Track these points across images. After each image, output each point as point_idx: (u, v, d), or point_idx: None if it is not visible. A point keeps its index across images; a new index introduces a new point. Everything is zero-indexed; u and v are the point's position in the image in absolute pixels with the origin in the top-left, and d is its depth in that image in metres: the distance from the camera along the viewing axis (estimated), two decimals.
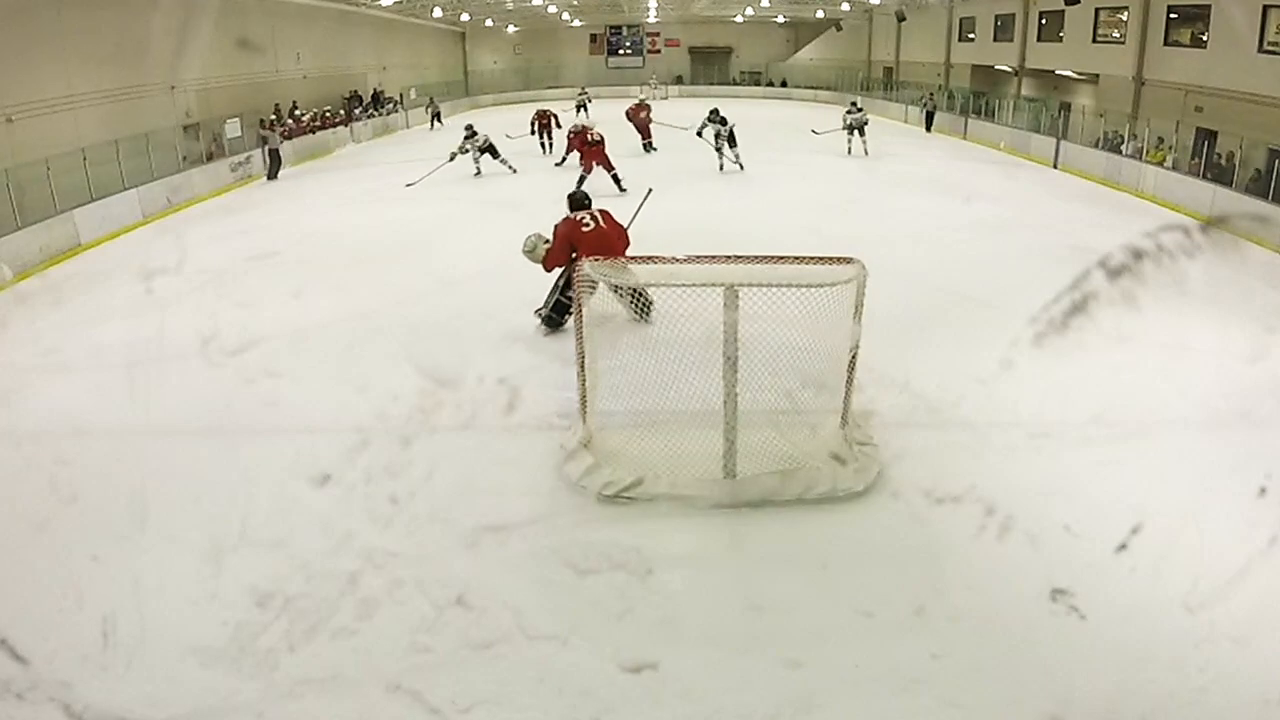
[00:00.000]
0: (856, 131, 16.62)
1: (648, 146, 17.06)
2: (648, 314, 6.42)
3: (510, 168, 14.90)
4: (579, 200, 7.05)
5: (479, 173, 14.81)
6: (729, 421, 4.46)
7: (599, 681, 3.30)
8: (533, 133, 17.65)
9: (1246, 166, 11.38)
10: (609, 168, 12.86)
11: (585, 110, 24.86)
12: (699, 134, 14.76)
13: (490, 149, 14.91)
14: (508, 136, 17.25)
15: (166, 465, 5.01)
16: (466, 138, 14.82)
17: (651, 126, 17.20)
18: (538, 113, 18.01)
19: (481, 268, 8.73)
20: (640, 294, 6.33)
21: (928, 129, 21.96)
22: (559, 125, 17.53)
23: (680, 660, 3.39)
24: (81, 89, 13.06)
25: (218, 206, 13.60)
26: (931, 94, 22.73)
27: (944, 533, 4.26)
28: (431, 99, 26.33)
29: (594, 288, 4.88)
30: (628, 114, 17.32)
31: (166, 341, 6.93)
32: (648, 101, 18.65)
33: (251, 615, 3.66)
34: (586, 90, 27.49)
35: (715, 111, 14.70)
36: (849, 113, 16.93)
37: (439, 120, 25.10)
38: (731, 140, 14.53)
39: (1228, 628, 3.45)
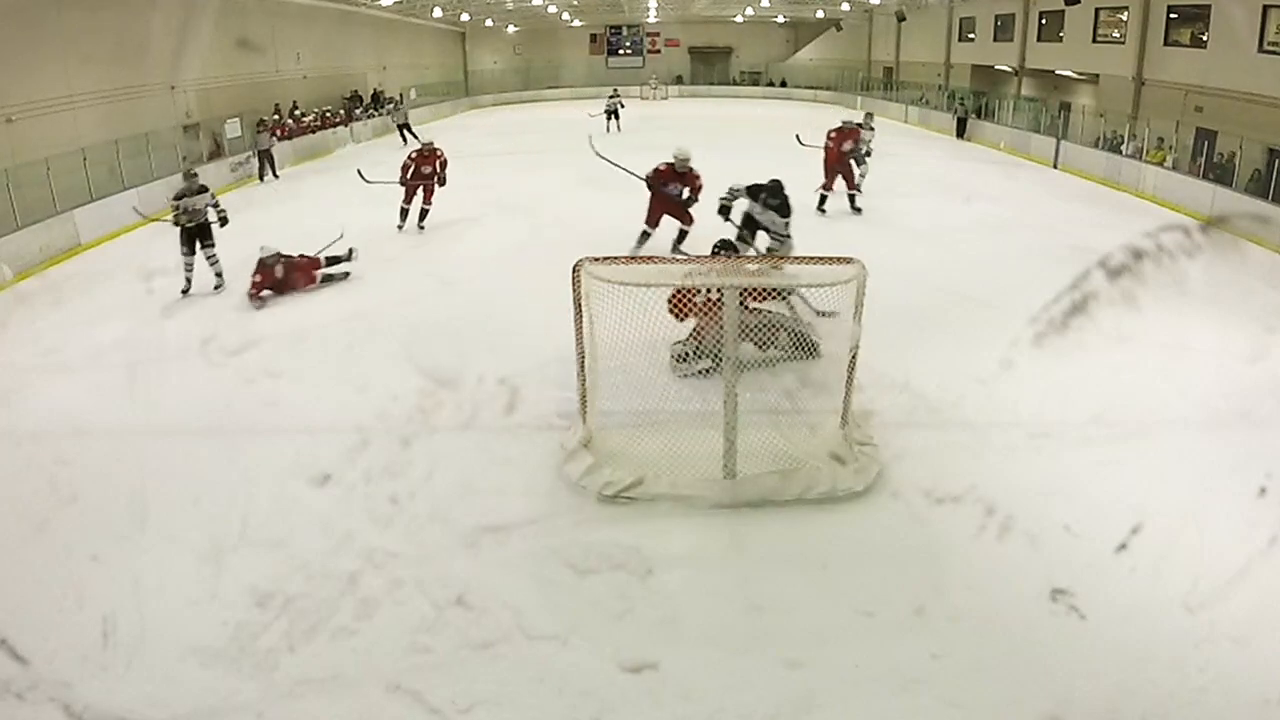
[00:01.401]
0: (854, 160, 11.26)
1: (852, 200, 10.92)
2: (815, 351, 5.56)
3: (217, 276, 8.33)
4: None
5: (187, 289, 8.20)
6: (729, 421, 4.46)
7: (599, 681, 3.30)
8: (403, 180, 10.39)
9: (1246, 166, 11.39)
10: (684, 218, 8.39)
11: (617, 117, 21.36)
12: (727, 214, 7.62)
13: (193, 231, 8.14)
14: (363, 178, 10.83)
15: (166, 465, 5.01)
16: (182, 198, 8.15)
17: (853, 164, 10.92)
18: (417, 154, 10.46)
19: (482, 268, 8.73)
20: (801, 335, 5.44)
21: (959, 135, 20.12)
22: (442, 180, 10.49)
23: (680, 660, 3.39)
24: (81, 89, 13.05)
25: None
26: (963, 99, 21.15)
27: (944, 533, 4.26)
28: (398, 101, 20.85)
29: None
30: (827, 148, 10.72)
31: (166, 341, 6.94)
32: (856, 123, 11.08)
33: (251, 615, 3.67)
34: (619, 92, 22.99)
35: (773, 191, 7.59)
36: (860, 128, 11.48)
37: (409, 133, 19.25)
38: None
39: (1228, 628, 3.45)
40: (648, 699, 3.23)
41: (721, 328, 4.84)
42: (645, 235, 8.50)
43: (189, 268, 8.15)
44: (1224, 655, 3.34)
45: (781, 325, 5.49)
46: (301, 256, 8.28)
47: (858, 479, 4.59)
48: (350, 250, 8.77)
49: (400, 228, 10.57)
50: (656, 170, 8.25)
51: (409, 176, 10.42)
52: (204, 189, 8.30)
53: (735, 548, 4.17)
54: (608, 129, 20.81)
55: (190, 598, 3.80)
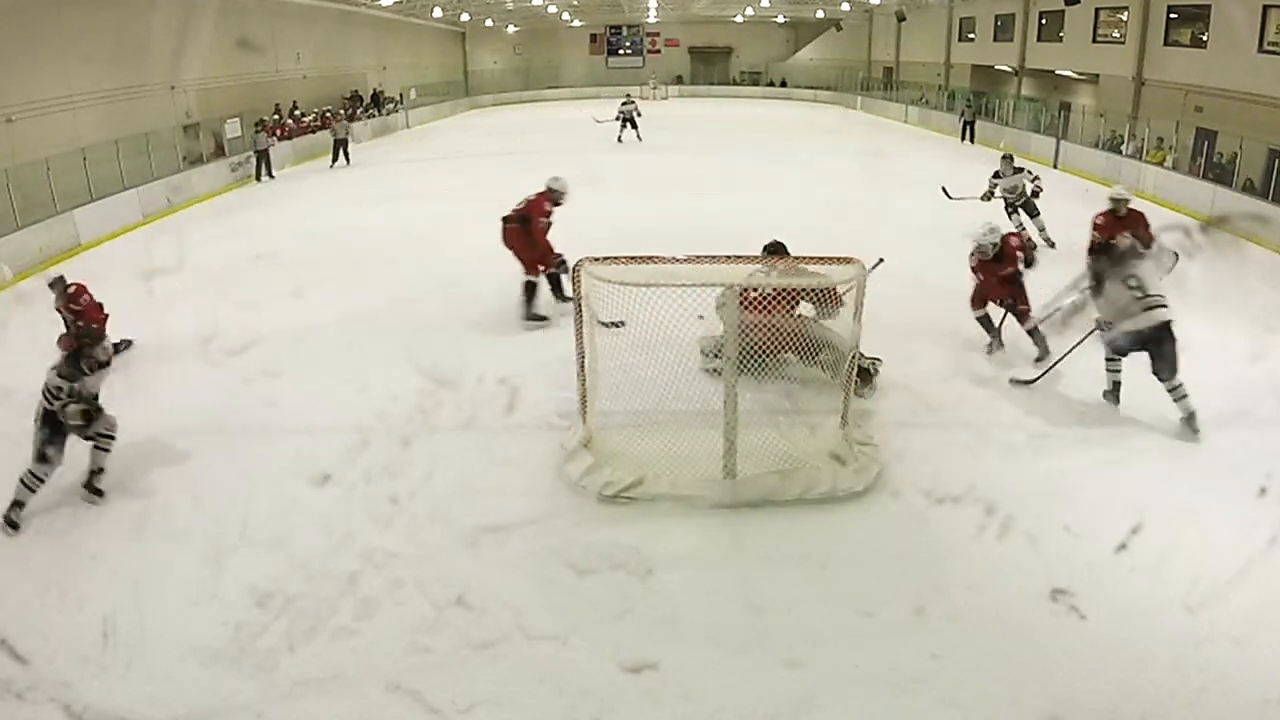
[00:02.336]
0: (1022, 209, 9.63)
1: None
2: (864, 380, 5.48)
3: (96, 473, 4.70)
4: None
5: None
6: (729, 421, 4.46)
7: (599, 681, 3.30)
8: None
9: (1246, 166, 11.39)
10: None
11: (634, 124, 18.98)
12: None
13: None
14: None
15: (166, 465, 5.01)
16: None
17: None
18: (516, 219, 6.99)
19: (482, 267, 8.71)
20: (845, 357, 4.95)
21: (964, 138, 19.44)
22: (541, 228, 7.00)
23: (680, 660, 3.39)
24: (81, 89, 13.07)
25: (218, 206, 13.60)
26: (969, 100, 20.74)
27: (944, 533, 4.26)
28: (261, 123, 15.87)
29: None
30: (1097, 239, 6.77)
31: (166, 341, 6.93)
32: (1129, 205, 7.22)
33: (251, 615, 3.67)
34: (632, 97, 20.37)
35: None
36: (1001, 175, 9.78)
37: (268, 168, 15.25)
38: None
39: (1228, 628, 3.45)
40: (648, 699, 3.23)
41: (767, 333, 4.85)
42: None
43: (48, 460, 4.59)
44: (1224, 655, 3.34)
45: (830, 343, 5.28)
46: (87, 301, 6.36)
47: (858, 479, 4.59)
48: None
49: None
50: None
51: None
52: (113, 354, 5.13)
53: (735, 548, 4.17)
54: (620, 138, 18.93)
55: (190, 598, 3.80)
